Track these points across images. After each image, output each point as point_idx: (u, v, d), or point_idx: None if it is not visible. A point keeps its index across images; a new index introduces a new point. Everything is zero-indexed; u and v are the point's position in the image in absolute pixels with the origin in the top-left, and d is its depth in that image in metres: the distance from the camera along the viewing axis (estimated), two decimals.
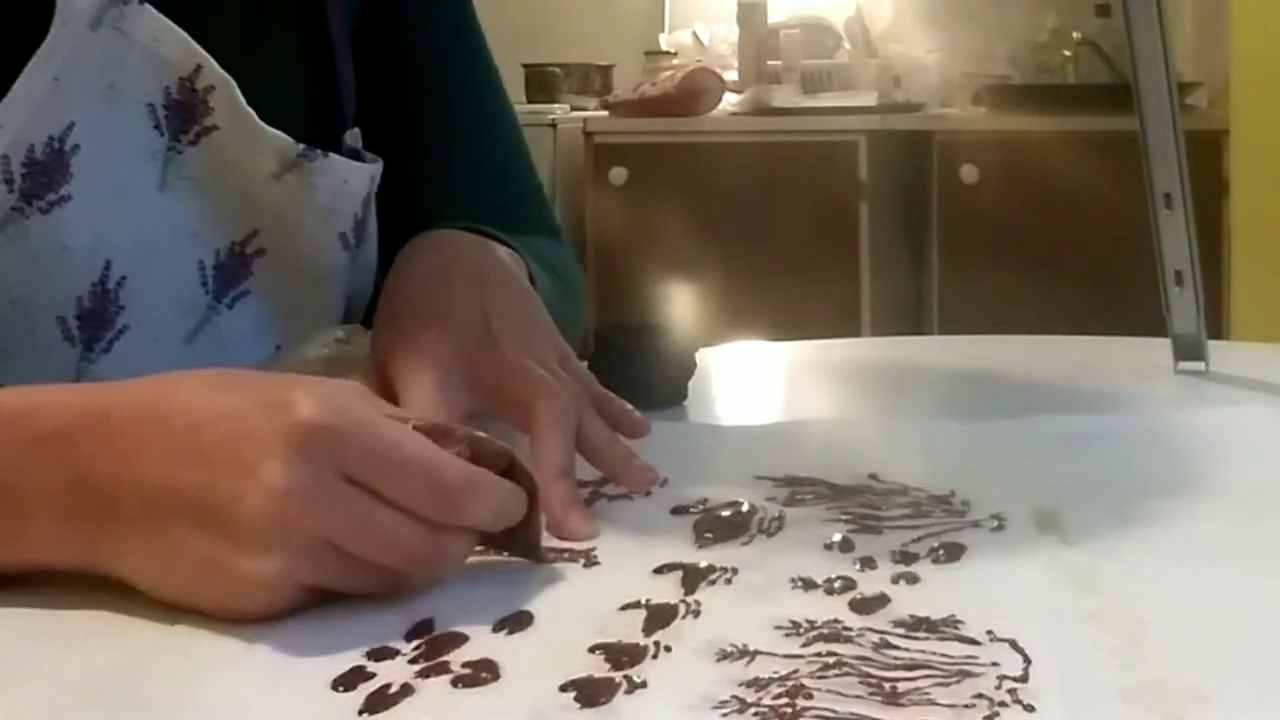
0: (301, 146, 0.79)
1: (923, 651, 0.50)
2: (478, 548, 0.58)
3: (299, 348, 0.77)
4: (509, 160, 0.98)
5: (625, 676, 0.48)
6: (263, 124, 0.78)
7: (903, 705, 0.46)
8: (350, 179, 0.82)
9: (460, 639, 0.52)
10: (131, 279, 0.74)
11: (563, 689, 0.47)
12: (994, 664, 0.49)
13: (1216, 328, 2.45)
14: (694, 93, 3.25)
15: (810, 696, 0.46)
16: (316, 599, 0.54)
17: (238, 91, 0.76)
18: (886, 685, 0.47)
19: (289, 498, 0.52)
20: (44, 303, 0.72)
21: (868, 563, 0.60)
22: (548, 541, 0.62)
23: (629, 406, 0.74)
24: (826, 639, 0.51)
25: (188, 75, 0.75)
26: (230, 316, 0.79)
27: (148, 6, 0.73)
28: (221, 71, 0.76)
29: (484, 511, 0.56)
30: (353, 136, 0.86)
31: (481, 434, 0.58)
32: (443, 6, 0.94)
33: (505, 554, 0.60)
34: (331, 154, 0.81)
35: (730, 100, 3.32)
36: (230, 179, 0.78)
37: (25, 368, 0.70)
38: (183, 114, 0.76)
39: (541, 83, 3.47)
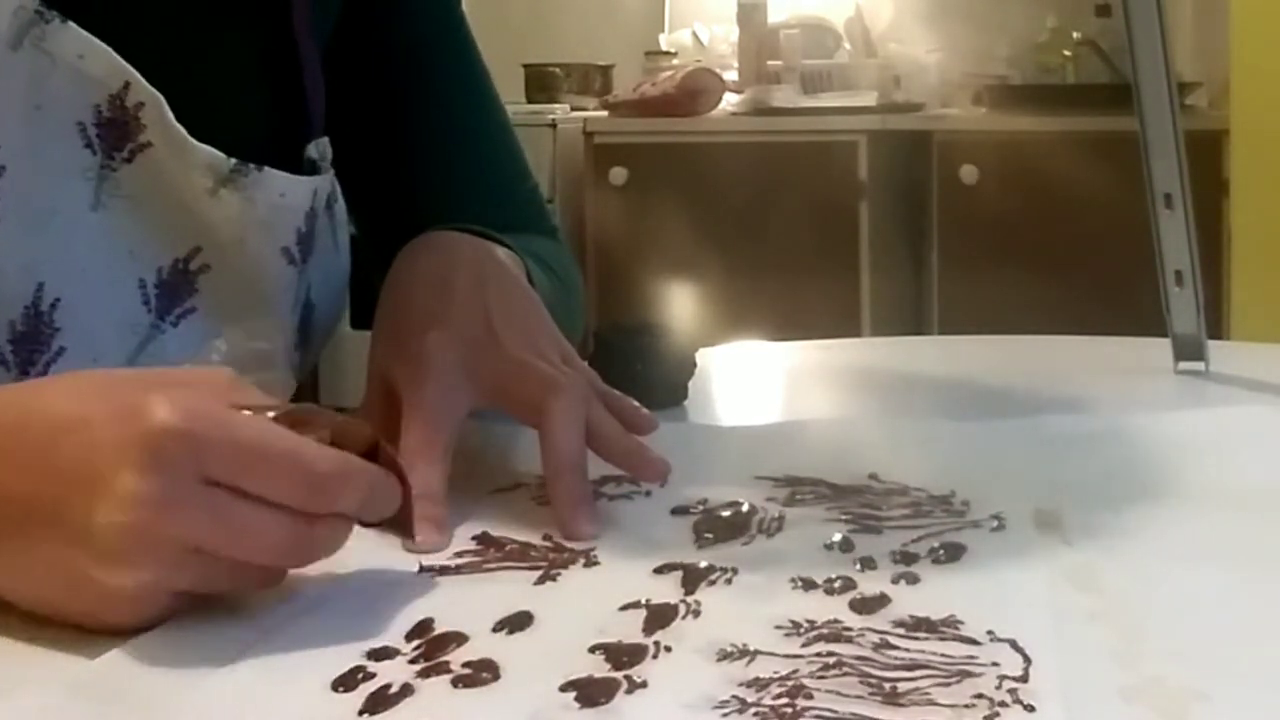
0: (234, 162, 0.77)
1: (923, 651, 0.50)
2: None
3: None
4: (502, 159, 0.97)
5: (625, 676, 0.48)
6: (193, 140, 0.76)
7: (903, 705, 0.46)
8: (287, 192, 0.80)
9: (460, 639, 0.52)
10: (66, 300, 0.73)
11: (563, 689, 0.47)
12: (994, 664, 0.49)
13: (1216, 328, 2.44)
14: (694, 93, 3.25)
15: (810, 696, 0.46)
16: (196, 601, 0.54)
17: (167, 108, 0.75)
18: (886, 685, 0.47)
19: (145, 508, 0.50)
20: None
21: (868, 563, 0.60)
22: (547, 540, 0.62)
23: (636, 403, 0.74)
24: (826, 639, 0.51)
25: (116, 92, 0.73)
26: (174, 334, 0.77)
27: (71, 24, 0.72)
28: (150, 88, 0.74)
29: (353, 498, 0.55)
30: (318, 147, 0.84)
31: (342, 417, 0.58)
32: (431, 6, 0.94)
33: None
34: (266, 168, 0.79)
35: (730, 100, 3.32)
36: (167, 196, 0.76)
37: None
38: (115, 132, 0.74)
39: (541, 83, 3.47)
